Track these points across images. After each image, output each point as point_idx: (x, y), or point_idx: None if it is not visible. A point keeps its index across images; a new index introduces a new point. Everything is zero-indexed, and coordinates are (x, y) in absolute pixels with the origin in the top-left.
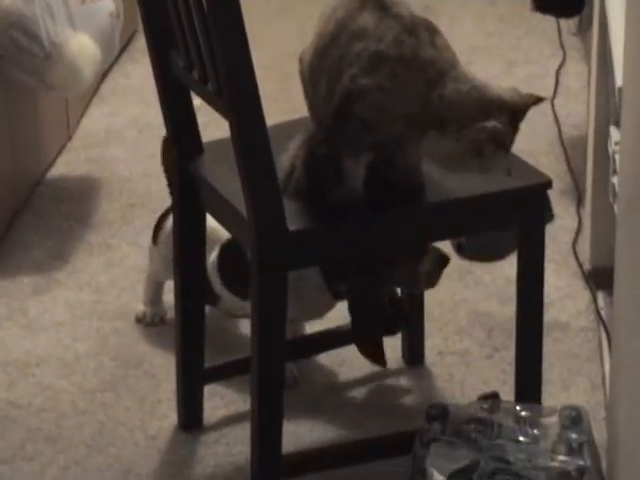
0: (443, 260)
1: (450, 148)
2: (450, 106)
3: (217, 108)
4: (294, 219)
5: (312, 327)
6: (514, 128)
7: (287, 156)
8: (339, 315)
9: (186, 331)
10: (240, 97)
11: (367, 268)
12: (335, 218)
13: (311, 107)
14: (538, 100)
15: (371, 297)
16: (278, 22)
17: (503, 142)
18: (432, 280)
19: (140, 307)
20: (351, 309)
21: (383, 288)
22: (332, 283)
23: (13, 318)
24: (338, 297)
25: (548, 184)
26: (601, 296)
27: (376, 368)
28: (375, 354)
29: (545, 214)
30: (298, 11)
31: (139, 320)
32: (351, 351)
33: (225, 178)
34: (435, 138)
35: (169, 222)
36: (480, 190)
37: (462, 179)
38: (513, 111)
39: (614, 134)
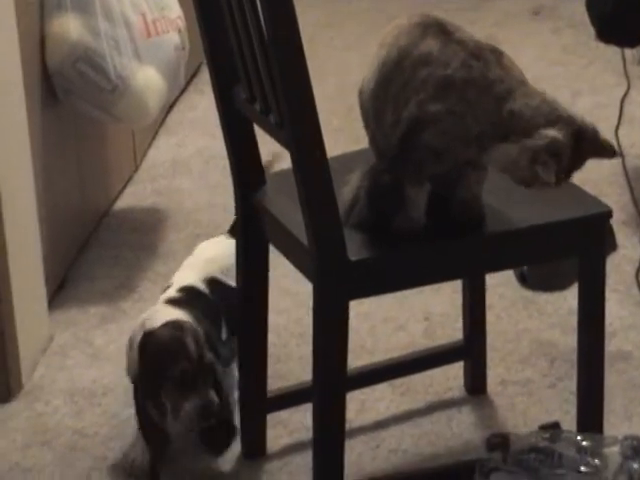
0: (206, 410)
1: (509, 152)
2: (520, 120)
3: (279, 140)
4: (355, 249)
5: (376, 356)
6: (578, 153)
7: (349, 188)
8: (402, 344)
9: (248, 359)
10: (301, 128)
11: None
12: (396, 247)
13: (373, 138)
14: (611, 149)
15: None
16: (343, 55)
17: (559, 155)
18: (192, 425)
19: None
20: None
21: None
22: None
23: (80, 348)
24: None
25: (609, 214)
26: None
27: (439, 397)
28: None
29: (606, 244)
30: (362, 45)
31: None
32: (413, 381)
33: (287, 208)
34: (498, 146)
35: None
36: (540, 220)
37: (522, 209)
38: (579, 131)
39: None
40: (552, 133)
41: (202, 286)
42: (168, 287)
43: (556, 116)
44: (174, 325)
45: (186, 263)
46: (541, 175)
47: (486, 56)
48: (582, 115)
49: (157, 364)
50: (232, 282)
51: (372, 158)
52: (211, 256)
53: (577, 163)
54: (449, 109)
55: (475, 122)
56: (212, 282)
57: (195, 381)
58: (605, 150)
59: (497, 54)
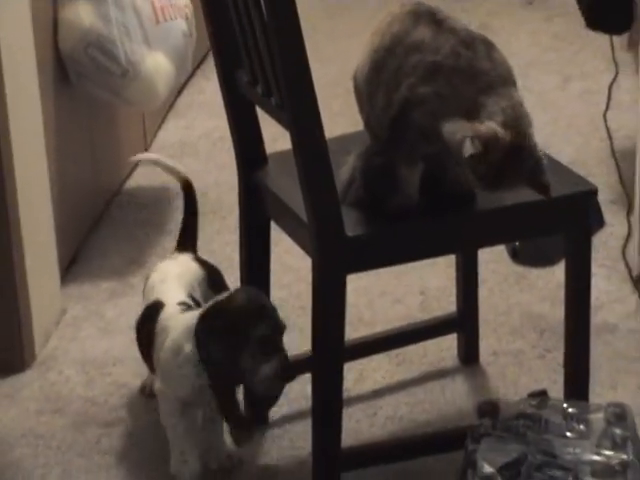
0: (287, 371)
1: (455, 125)
2: (483, 113)
3: (280, 120)
4: (352, 226)
5: (374, 328)
6: (512, 167)
7: (346, 168)
8: (398, 317)
9: None
10: (300, 109)
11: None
12: (391, 224)
13: (367, 121)
14: (546, 188)
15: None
16: (344, 42)
17: (489, 149)
18: (273, 387)
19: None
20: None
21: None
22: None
23: (91, 320)
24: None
25: (594, 192)
26: None
27: (434, 367)
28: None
29: (591, 221)
30: (364, 32)
31: None
32: (409, 352)
33: (287, 186)
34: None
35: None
36: (528, 198)
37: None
38: (522, 149)
39: None
40: (498, 130)
41: (190, 302)
42: (156, 303)
43: (514, 124)
44: (250, 289)
45: (157, 281)
46: (463, 152)
47: (476, 46)
48: (542, 148)
49: (239, 327)
50: (198, 296)
51: (369, 139)
52: (178, 273)
53: (507, 175)
54: (436, 91)
55: (456, 107)
56: (192, 297)
57: (276, 343)
58: (541, 185)
59: (488, 46)
